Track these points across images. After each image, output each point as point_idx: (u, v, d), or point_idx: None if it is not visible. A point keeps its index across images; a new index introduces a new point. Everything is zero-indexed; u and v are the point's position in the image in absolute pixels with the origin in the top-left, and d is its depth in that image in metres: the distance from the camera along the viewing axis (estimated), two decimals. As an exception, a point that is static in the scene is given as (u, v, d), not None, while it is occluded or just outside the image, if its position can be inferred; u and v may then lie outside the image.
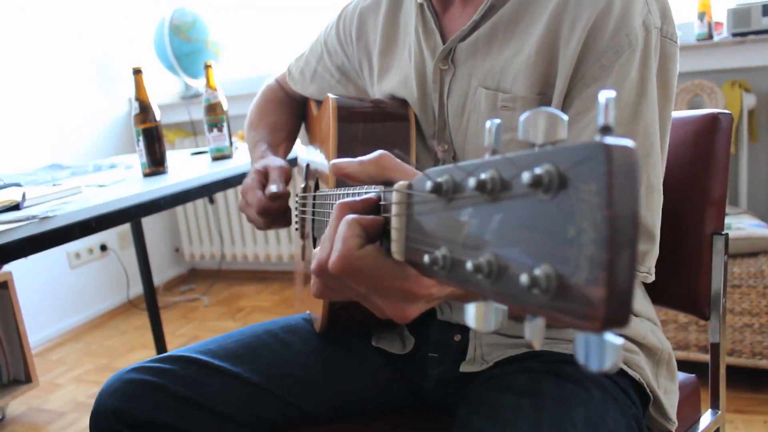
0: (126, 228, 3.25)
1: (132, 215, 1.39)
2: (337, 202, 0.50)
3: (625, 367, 0.85)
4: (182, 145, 3.44)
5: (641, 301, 0.92)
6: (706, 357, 1.93)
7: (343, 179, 0.51)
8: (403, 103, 0.94)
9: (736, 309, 1.95)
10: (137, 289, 3.35)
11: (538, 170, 0.30)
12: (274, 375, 0.96)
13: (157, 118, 1.69)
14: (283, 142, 1.22)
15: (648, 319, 0.92)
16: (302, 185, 1.22)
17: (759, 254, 1.96)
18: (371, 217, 0.48)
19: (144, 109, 1.66)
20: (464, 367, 0.89)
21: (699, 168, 0.97)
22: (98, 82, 3.37)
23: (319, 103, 1.19)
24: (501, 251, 0.34)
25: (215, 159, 1.88)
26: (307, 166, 1.16)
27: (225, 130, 1.87)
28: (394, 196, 0.45)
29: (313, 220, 1.04)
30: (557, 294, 0.29)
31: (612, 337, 0.28)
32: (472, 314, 0.37)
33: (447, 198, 0.39)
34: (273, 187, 1.00)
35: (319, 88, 1.17)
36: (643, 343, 0.88)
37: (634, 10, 0.75)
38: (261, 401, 0.94)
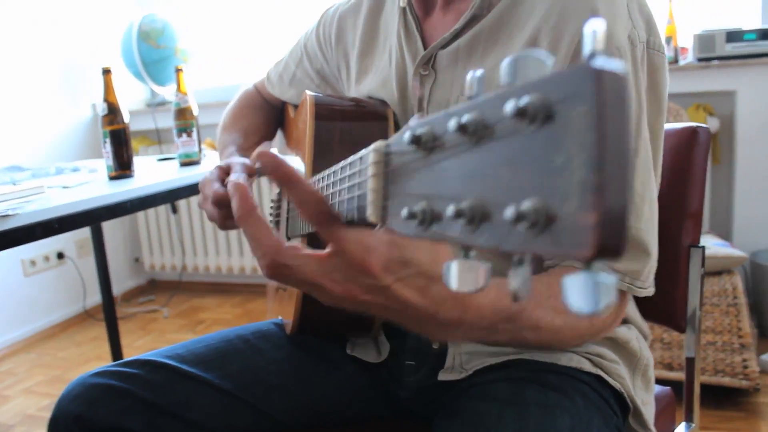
0: (85, 236, 3.17)
1: (97, 217, 1.35)
2: None
3: (606, 376, 0.84)
4: (146, 153, 3.37)
5: (633, 310, 0.92)
6: (672, 375, 1.96)
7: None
8: (383, 103, 0.93)
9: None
10: (94, 299, 3.26)
11: (523, 100, 0.28)
12: (245, 382, 0.92)
13: (126, 120, 1.65)
14: (254, 146, 1.19)
15: (637, 328, 0.91)
16: (277, 190, 1.19)
17: (722, 273, 2.00)
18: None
19: (112, 111, 1.62)
20: (443, 375, 0.87)
21: (677, 180, 0.98)
22: (61, 85, 3.29)
23: (297, 107, 1.17)
24: (484, 193, 0.31)
25: (183, 165, 1.84)
26: None
27: (194, 135, 1.83)
28: (372, 156, 0.43)
29: (288, 221, 1.02)
30: (545, 226, 0.27)
31: (605, 275, 0.26)
32: (454, 272, 0.35)
33: (427, 149, 0.37)
34: (233, 176, 0.96)
35: (297, 92, 1.16)
36: (624, 346, 0.87)
37: (619, 25, 0.75)
38: (232, 409, 0.91)
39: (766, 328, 2.35)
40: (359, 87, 0.98)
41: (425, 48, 0.88)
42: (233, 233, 3.35)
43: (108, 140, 1.61)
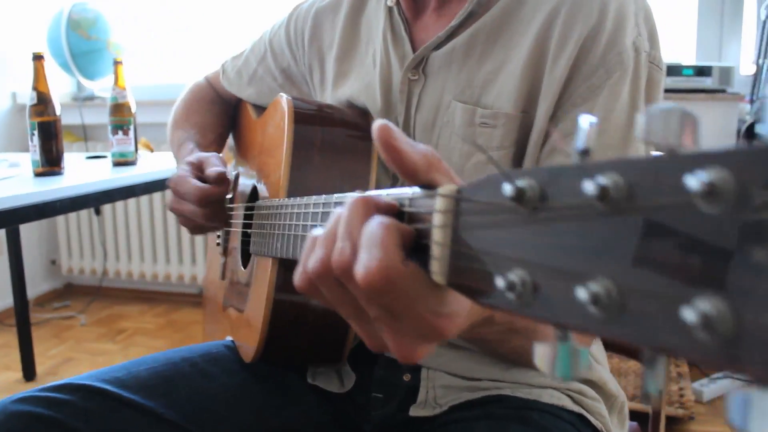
0: (-3, 234, 2.94)
1: (22, 217, 1.22)
2: (357, 195, 0.40)
3: (588, 415, 0.79)
4: (71, 150, 3.16)
5: (599, 347, 0.88)
6: (632, 404, 1.96)
7: (384, 149, 0.40)
8: (364, 112, 0.86)
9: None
10: (3, 302, 3.02)
11: (706, 174, 0.23)
12: (192, 411, 0.83)
13: (57, 112, 1.51)
14: (212, 144, 1.10)
15: (604, 366, 0.88)
16: (229, 195, 1.10)
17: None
18: (406, 226, 0.39)
19: (42, 101, 1.48)
20: (414, 411, 0.80)
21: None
22: (-21, 72, 3.06)
23: (257, 107, 1.08)
24: (630, 278, 0.26)
25: (117, 164, 1.72)
26: (236, 175, 1.05)
27: (131, 133, 1.71)
28: (440, 203, 0.36)
29: (245, 233, 0.93)
30: (734, 338, 0.22)
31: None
32: (548, 356, 0.31)
33: (531, 207, 0.31)
34: (215, 168, 0.87)
35: (257, 91, 1.07)
36: (603, 389, 0.84)
37: (626, 30, 0.72)
38: (177, 442, 0.81)
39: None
40: (337, 91, 0.91)
41: (414, 51, 0.82)
42: (160, 237, 3.19)
43: (36, 133, 1.47)
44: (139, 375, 0.84)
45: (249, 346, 0.82)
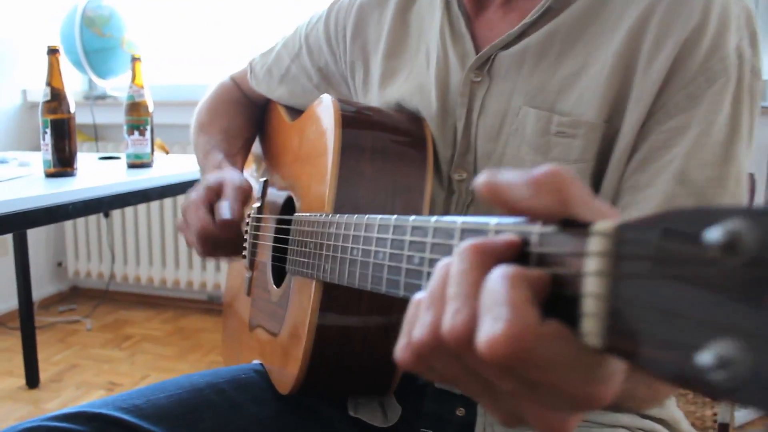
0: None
1: (32, 221, 1.13)
2: (469, 243, 0.31)
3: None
4: (81, 150, 3.08)
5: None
6: None
7: (493, 203, 0.32)
8: (416, 117, 0.77)
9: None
10: (7, 305, 2.95)
11: None
12: (219, 446, 0.74)
13: (71, 110, 1.43)
14: (239, 152, 1.02)
15: (675, 404, 0.79)
16: (256, 204, 1.01)
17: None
18: (539, 272, 0.30)
19: (56, 97, 1.40)
20: (469, 451, 0.71)
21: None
22: (-11, 68, 2.99)
23: (290, 108, 1.00)
24: None
25: (132, 166, 1.63)
26: (265, 182, 0.96)
27: (147, 134, 1.62)
28: (596, 243, 0.27)
29: (276, 248, 0.84)
30: None
31: None
32: None
33: (742, 258, 0.22)
34: (225, 211, 0.81)
35: (290, 91, 0.99)
36: (675, 428, 0.76)
37: (730, 33, 0.63)
38: (201, 481, 0.72)
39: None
40: (384, 93, 0.82)
41: (477, 50, 0.73)
42: (169, 242, 3.11)
43: (48, 131, 1.39)
44: (159, 403, 0.75)
45: (286, 376, 0.74)
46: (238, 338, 1.05)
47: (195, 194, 0.87)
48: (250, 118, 1.07)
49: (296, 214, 0.77)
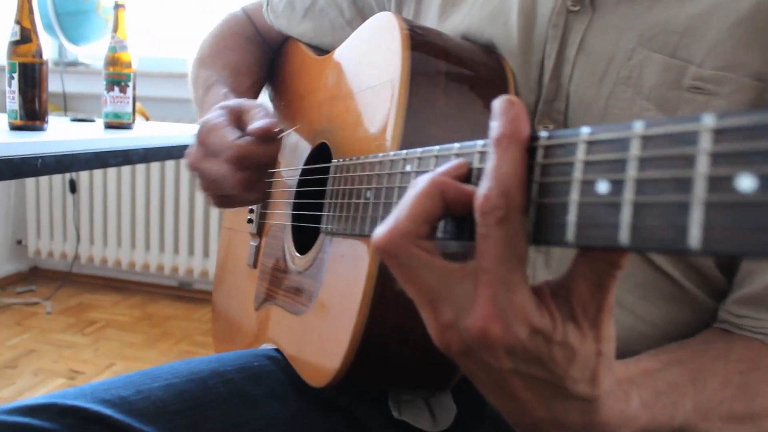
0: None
1: (-6, 173, 0.95)
2: None
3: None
4: (47, 118, 2.87)
5: None
6: None
7: None
8: (492, 50, 0.62)
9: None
10: (-40, 282, 2.72)
11: None
12: (229, 451, 0.58)
13: (44, 56, 1.24)
14: (248, 92, 0.86)
15: None
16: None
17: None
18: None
19: (26, 38, 1.21)
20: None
21: None
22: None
23: (312, 46, 0.84)
24: None
25: (110, 126, 1.45)
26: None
27: (129, 92, 1.44)
28: None
29: (311, 206, 0.68)
30: None
31: None
32: None
33: None
34: (263, 121, 0.62)
35: (315, 27, 0.82)
36: None
37: None
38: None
39: None
40: (445, 24, 0.67)
41: None
42: (140, 222, 2.90)
43: (15, 76, 1.20)
44: (153, 395, 0.58)
45: (324, 362, 0.57)
46: (237, 321, 0.89)
47: (213, 116, 0.67)
48: (260, 59, 0.91)
49: (340, 158, 0.60)
